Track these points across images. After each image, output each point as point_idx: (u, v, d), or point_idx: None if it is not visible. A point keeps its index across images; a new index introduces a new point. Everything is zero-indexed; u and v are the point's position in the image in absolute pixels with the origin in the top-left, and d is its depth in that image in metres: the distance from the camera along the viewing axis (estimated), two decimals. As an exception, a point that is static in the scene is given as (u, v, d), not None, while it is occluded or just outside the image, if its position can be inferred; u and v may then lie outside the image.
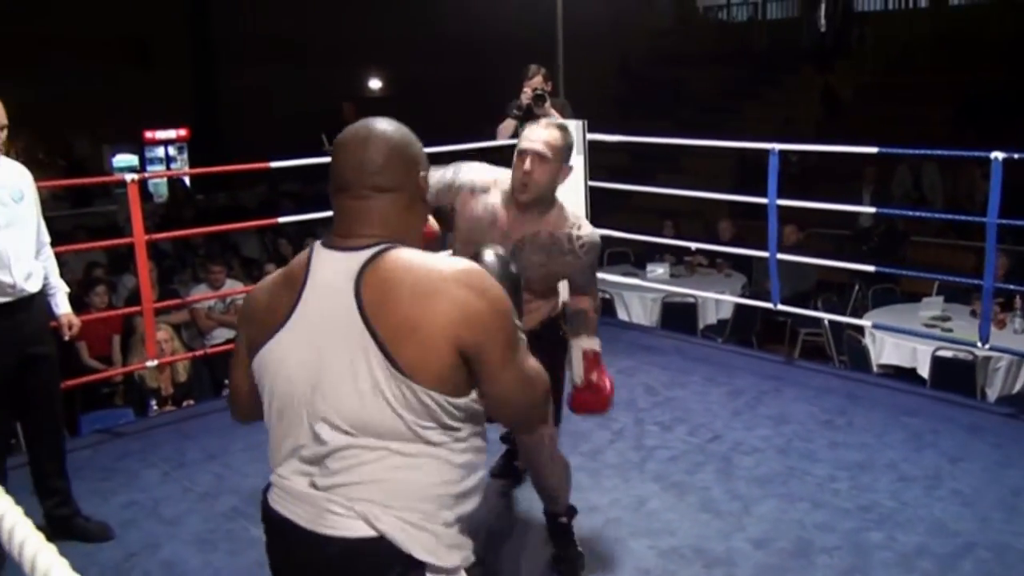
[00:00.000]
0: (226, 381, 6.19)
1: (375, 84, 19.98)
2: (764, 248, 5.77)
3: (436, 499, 1.59)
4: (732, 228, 9.09)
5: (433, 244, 2.42)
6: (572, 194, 5.86)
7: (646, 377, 5.28)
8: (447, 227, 2.97)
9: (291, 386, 1.63)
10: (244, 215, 10.66)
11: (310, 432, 1.60)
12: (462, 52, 16.06)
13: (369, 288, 1.57)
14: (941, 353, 5.80)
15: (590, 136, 6.00)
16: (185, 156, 18.42)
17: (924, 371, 5.95)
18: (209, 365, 6.47)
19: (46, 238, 3.60)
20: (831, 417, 4.62)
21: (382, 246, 1.62)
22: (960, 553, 3.30)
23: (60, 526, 3.50)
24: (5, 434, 3.66)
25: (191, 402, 5.80)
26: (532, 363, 1.72)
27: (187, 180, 15.31)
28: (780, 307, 5.87)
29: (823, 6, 16.12)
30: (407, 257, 1.61)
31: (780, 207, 5.51)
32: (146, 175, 8.78)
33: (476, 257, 1.94)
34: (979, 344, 5.04)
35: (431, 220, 2.45)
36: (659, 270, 8.39)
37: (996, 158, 4.61)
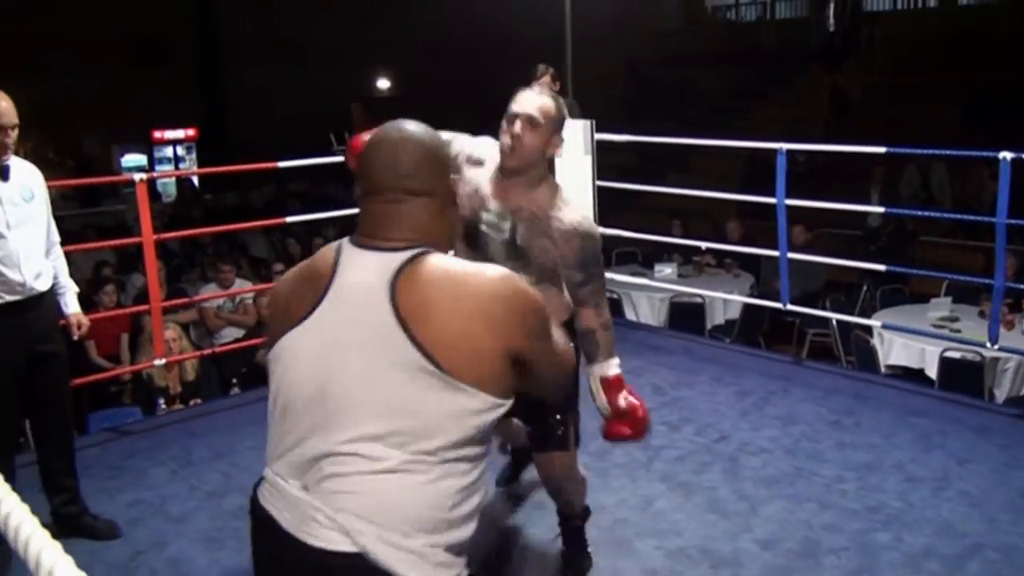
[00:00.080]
0: (234, 380, 6.25)
1: (383, 84, 20.01)
2: (773, 248, 5.76)
3: (429, 521, 1.53)
4: (740, 228, 9.08)
5: None
6: (581, 194, 5.89)
7: (653, 377, 5.28)
8: None
9: (300, 384, 1.59)
10: (252, 215, 10.67)
11: (312, 433, 1.56)
12: (469, 52, 16.08)
13: (405, 293, 1.54)
14: (949, 354, 5.78)
15: (598, 136, 6.00)
16: (193, 156, 18.49)
17: (932, 372, 5.93)
18: (217, 364, 6.48)
19: (56, 237, 3.61)
20: (839, 418, 4.62)
21: (418, 249, 1.59)
22: (968, 554, 3.29)
23: (68, 524, 3.51)
24: (14, 432, 3.68)
25: (199, 401, 5.82)
26: (558, 337, 1.77)
27: (195, 180, 15.35)
28: (789, 307, 5.86)
29: (832, 6, 16.05)
30: (444, 264, 1.59)
31: (788, 207, 5.50)
32: (155, 175, 8.79)
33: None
34: (988, 345, 5.02)
35: None
36: (667, 270, 8.39)
37: (1004, 158, 4.60)
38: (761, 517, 3.60)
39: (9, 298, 3.30)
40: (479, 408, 1.56)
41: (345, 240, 1.68)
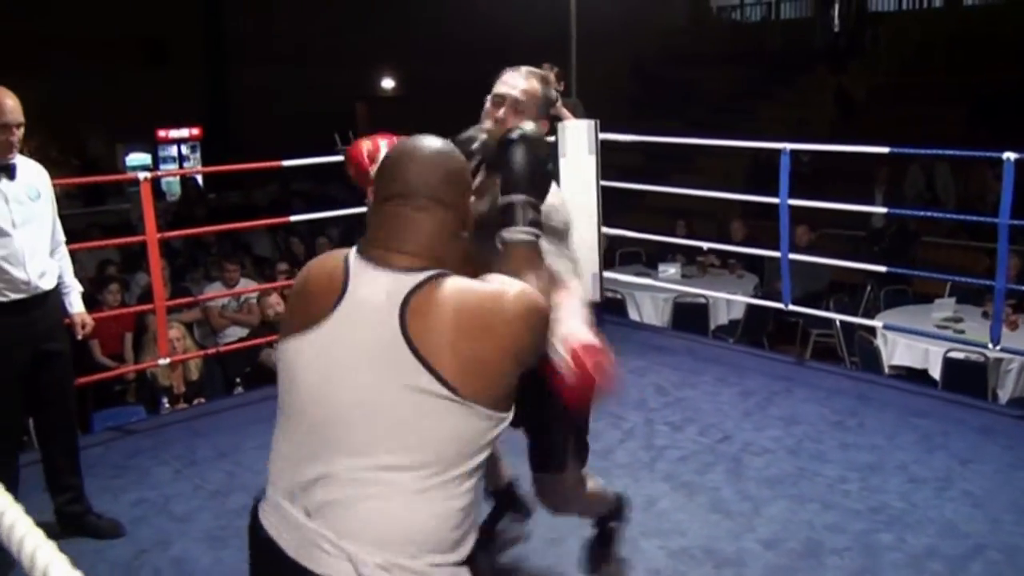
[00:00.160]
0: (238, 379, 6.26)
1: (387, 84, 20.01)
2: (776, 248, 5.76)
3: (436, 541, 1.51)
4: (744, 228, 9.08)
5: None
6: (584, 195, 5.89)
7: (657, 377, 5.28)
8: None
9: (304, 405, 1.58)
10: (256, 214, 10.69)
11: (316, 456, 1.54)
12: (472, 52, 16.04)
13: (416, 316, 1.52)
14: (953, 354, 5.78)
15: (602, 136, 6.00)
16: (198, 155, 18.49)
17: (935, 372, 5.93)
18: (221, 363, 6.49)
19: (61, 237, 3.63)
20: (842, 418, 4.61)
21: (428, 273, 1.57)
22: (970, 555, 3.29)
23: (72, 523, 3.52)
24: (18, 430, 3.69)
25: (203, 400, 5.82)
26: (533, 282, 1.73)
27: (199, 179, 15.36)
28: (792, 308, 5.86)
29: (837, 6, 16.07)
30: (457, 286, 1.57)
31: (792, 207, 5.50)
32: (159, 174, 8.84)
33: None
34: (991, 345, 5.02)
35: None
36: (671, 270, 8.38)
37: (1009, 159, 4.59)
38: (764, 517, 3.60)
39: (14, 296, 3.31)
40: (490, 426, 1.55)
41: (352, 251, 1.65)
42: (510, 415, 1.59)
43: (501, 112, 2.51)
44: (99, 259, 8.68)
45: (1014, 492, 3.77)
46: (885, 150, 5.65)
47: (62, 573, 1.11)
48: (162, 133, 18.08)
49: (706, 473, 4.02)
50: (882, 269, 5.89)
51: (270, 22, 17.16)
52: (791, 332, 8.13)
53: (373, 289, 1.57)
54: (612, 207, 6.27)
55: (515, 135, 2.03)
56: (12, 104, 3.26)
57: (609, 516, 3.03)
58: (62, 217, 3.67)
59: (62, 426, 3.58)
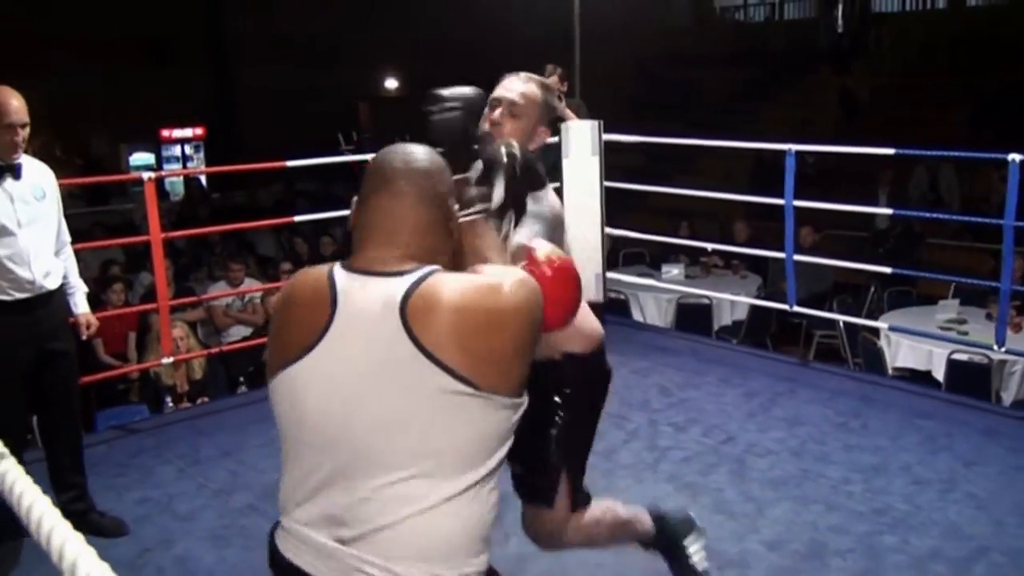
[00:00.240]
0: (241, 379, 6.26)
1: (391, 84, 20.01)
2: (780, 249, 5.75)
3: (471, 545, 1.50)
4: (748, 229, 9.08)
5: None
6: (588, 196, 5.89)
7: (660, 378, 5.28)
8: None
9: (314, 427, 1.51)
10: (260, 214, 10.69)
11: (338, 479, 1.49)
12: (473, 52, 16.07)
13: (418, 318, 1.46)
14: (957, 356, 5.77)
15: (606, 136, 6.00)
16: (201, 155, 18.52)
17: (939, 374, 5.92)
18: (225, 362, 6.50)
19: (67, 237, 3.63)
20: (845, 419, 4.61)
21: (419, 273, 1.51)
22: (974, 557, 3.28)
23: (75, 521, 3.44)
24: (22, 429, 3.69)
25: (206, 399, 5.83)
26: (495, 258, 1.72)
27: (203, 179, 15.37)
28: (796, 309, 5.85)
29: (840, 7, 16.07)
30: (453, 283, 1.52)
31: (796, 208, 5.50)
32: (163, 173, 8.84)
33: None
34: (995, 347, 5.02)
35: None
36: (674, 271, 8.38)
37: (1013, 160, 4.59)
38: (768, 518, 3.60)
39: (18, 295, 3.32)
40: (510, 414, 1.53)
41: (336, 266, 1.58)
42: (526, 399, 1.56)
43: (496, 114, 2.41)
44: (103, 259, 8.68)
45: (1018, 494, 3.76)
46: (891, 151, 5.65)
47: (89, 565, 1.11)
48: (166, 133, 18.11)
49: (710, 474, 4.01)
50: (888, 270, 5.88)
51: (273, 22, 17.17)
52: (794, 333, 8.12)
53: (366, 299, 1.51)
54: (615, 208, 6.27)
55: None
56: (17, 104, 3.26)
57: (658, 541, 2.81)
58: (66, 217, 3.68)
59: (66, 425, 3.59)
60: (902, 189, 11.22)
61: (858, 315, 7.27)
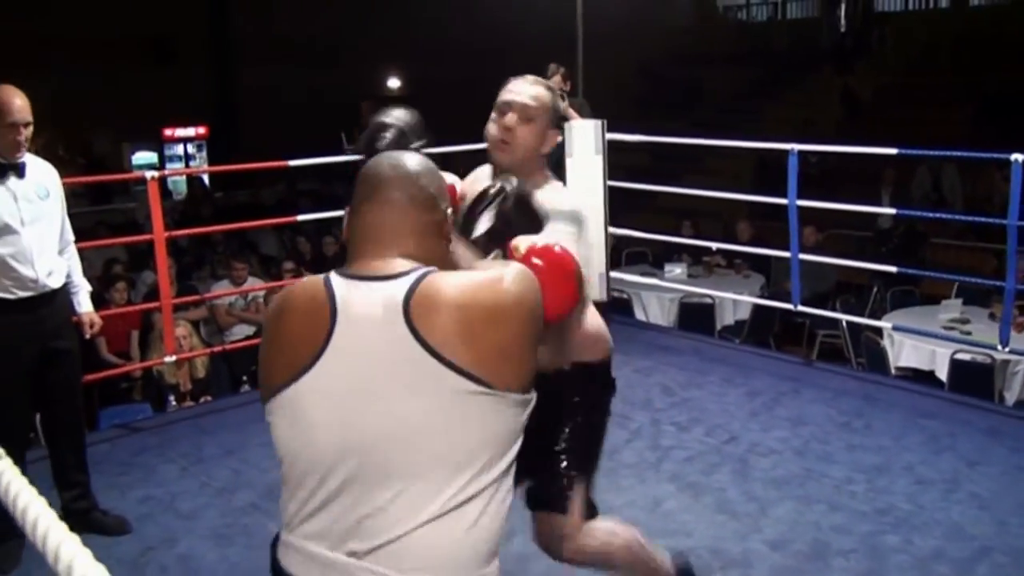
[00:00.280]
0: (244, 377, 6.26)
1: (393, 83, 20.02)
2: (783, 249, 5.75)
3: (485, 552, 1.48)
4: (751, 229, 9.07)
5: None
6: (592, 196, 5.89)
7: (663, 377, 5.28)
8: None
9: (320, 442, 1.47)
10: (262, 213, 10.69)
11: (347, 492, 1.45)
12: (474, 52, 16.08)
13: (423, 320, 1.44)
14: (960, 356, 5.76)
15: (609, 136, 6.00)
16: (204, 154, 18.54)
17: (942, 374, 5.91)
18: (227, 361, 6.50)
19: (70, 236, 3.63)
20: (848, 419, 4.61)
21: (417, 274, 1.49)
22: (977, 557, 3.28)
23: (78, 519, 3.53)
24: (26, 427, 3.70)
25: (209, 398, 5.84)
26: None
27: (206, 178, 15.38)
28: (799, 308, 5.85)
29: (843, 6, 16.05)
30: (453, 281, 1.49)
31: (799, 208, 5.49)
32: (166, 173, 8.85)
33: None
34: (998, 347, 5.02)
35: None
36: (677, 270, 8.38)
37: (1016, 160, 4.58)
38: (770, 518, 3.60)
39: (22, 294, 3.32)
40: (521, 411, 1.51)
41: (332, 274, 1.55)
42: (534, 395, 1.54)
43: (508, 119, 2.31)
44: (106, 257, 8.68)
45: (1021, 494, 3.76)
46: (893, 151, 5.65)
47: (86, 567, 1.11)
48: (168, 132, 18.13)
49: (712, 474, 4.01)
50: (891, 269, 5.88)
51: (274, 21, 17.19)
52: (797, 333, 8.11)
53: (366, 305, 1.48)
54: (618, 207, 6.27)
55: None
56: (20, 103, 3.27)
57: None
58: (69, 216, 3.68)
59: (69, 423, 3.59)
60: (905, 189, 11.21)
61: (861, 315, 7.26)
